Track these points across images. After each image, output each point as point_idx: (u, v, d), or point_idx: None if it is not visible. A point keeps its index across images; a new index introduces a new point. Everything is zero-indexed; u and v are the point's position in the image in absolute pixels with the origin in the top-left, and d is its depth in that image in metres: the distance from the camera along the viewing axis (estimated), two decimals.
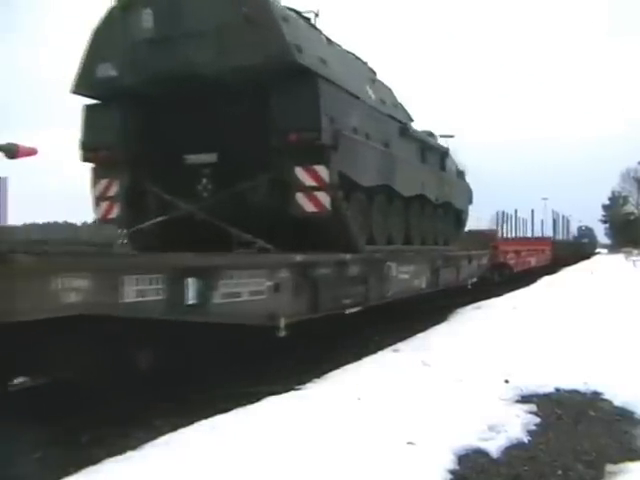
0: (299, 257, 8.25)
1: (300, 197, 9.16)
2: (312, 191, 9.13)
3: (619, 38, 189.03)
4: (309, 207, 9.16)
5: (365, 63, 12.82)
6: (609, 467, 4.98)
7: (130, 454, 5.08)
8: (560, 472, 5.14)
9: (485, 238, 24.42)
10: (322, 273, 8.69)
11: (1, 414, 5.21)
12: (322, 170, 9.11)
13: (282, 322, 7.49)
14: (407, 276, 12.20)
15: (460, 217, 18.59)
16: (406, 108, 14.44)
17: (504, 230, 52.52)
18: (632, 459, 5.26)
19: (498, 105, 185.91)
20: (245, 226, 9.02)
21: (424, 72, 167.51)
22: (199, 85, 9.13)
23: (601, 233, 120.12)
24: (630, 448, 5.74)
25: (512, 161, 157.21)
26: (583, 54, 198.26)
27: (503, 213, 57.11)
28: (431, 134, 16.45)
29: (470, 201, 19.45)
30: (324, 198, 9.15)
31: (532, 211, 64.12)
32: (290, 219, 9.24)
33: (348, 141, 9.73)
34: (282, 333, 7.50)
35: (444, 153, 16.81)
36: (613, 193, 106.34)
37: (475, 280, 19.02)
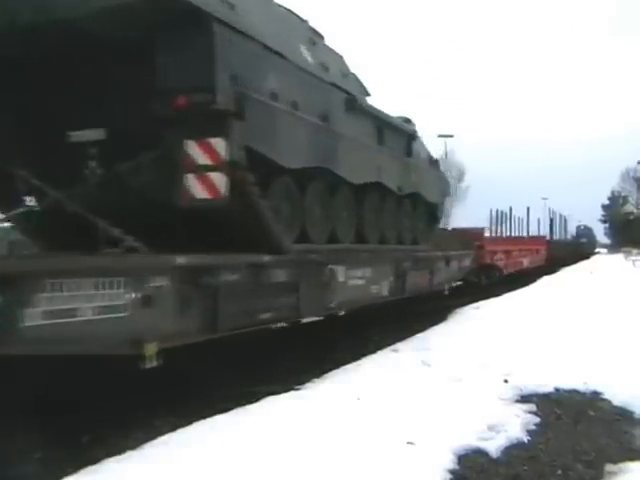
0: (182, 259, 6.15)
1: (190, 179, 6.92)
2: (205, 171, 6.94)
3: (620, 37, 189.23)
4: (200, 192, 6.89)
5: (305, 21, 10.26)
6: (609, 467, 4.98)
7: (129, 454, 5.08)
8: (560, 472, 5.15)
9: (470, 237, 21.78)
10: (225, 280, 6.75)
11: (1, 414, 5.20)
12: (219, 144, 6.90)
13: (149, 349, 5.65)
14: (361, 282, 10.17)
15: (433, 212, 15.80)
16: (362, 81, 12.18)
17: (499, 229, 52.16)
18: (632, 459, 5.26)
19: (498, 105, 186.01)
20: (126, 219, 6.95)
21: (424, 72, 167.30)
22: (71, 40, 6.90)
23: (601, 233, 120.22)
24: (630, 448, 5.75)
25: (512, 161, 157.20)
26: (584, 54, 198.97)
27: (497, 211, 56.49)
28: (408, 120, 14.26)
29: (446, 194, 17.25)
30: (219, 180, 6.87)
31: (527, 209, 62.53)
32: (185, 210, 7.09)
33: (261, 108, 7.55)
34: (151, 363, 5.67)
35: (411, 136, 13.85)
36: (613, 193, 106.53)
37: (457, 284, 18.05)
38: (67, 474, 4.65)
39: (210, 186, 6.88)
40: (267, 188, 7.90)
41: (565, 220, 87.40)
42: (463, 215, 63.49)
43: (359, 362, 8.93)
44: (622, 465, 4.99)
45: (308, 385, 7.63)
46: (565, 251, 53.40)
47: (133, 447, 5.26)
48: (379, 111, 11.90)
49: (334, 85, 10.13)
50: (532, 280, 27.10)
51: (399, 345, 10.43)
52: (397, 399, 6.66)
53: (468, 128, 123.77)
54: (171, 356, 5.91)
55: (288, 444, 5.19)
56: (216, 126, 6.91)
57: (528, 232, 50.38)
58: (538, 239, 44.51)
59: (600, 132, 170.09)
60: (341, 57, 11.33)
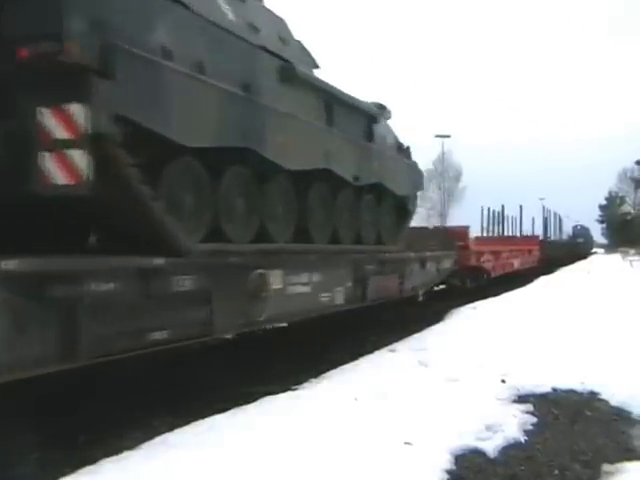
0: (10, 264, 4.52)
1: (47, 159, 5.22)
2: (63, 148, 5.22)
3: (620, 38, 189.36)
4: (58, 176, 5.19)
5: None
6: (606, 467, 4.99)
7: (127, 454, 5.09)
8: (557, 472, 5.15)
9: (452, 236, 19.58)
10: (91, 291, 5.20)
11: None
12: (77, 111, 5.18)
13: None
14: (307, 289, 8.59)
15: (403, 206, 13.30)
16: (310, 51, 10.34)
17: (493, 229, 51.83)
18: (629, 459, 5.27)
19: (496, 105, 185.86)
20: None
21: (421, 72, 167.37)
22: None
23: (598, 233, 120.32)
24: (627, 448, 5.75)
25: (510, 162, 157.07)
26: (583, 54, 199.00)
27: (489, 210, 55.91)
28: (382, 107, 12.26)
29: (419, 186, 14.44)
30: (79, 159, 5.20)
31: (520, 207, 61.53)
32: (48, 200, 5.43)
33: (144, 67, 5.80)
34: None
35: (372, 117, 11.59)
36: (610, 193, 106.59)
37: (437, 288, 17.11)
38: (64, 474, 4.65)
39: (69, 168, 5.23)
40: (158, 172, 6.23)
41: (560, 219, 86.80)
42: (460, 215, 63.63)
43: (356, 362, 8.94)
44: (619, 465, 4.99)
45: (305, 385, 7.64)
46: (561, 251, 52.82)
47: (130, 447, 5.26)
48: (329, 85, 9.75)
49: (264, 49, 8.16)
50: (529, 280, 27.11)
51: (396, 345, 10.44)
52: (394, 399, 6.66)
53: (466, 128, 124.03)
54: (170, 357, 5.92)
55: (285, 444, 5.19)
56: (73, 87, 5.25)
57: (521, 231, 49.65)
58: (531, 239, 43.15)
59: (598, 133, 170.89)
60: (282, 20, 9.42)
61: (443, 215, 62.02)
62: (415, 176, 13.99)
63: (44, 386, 5.63)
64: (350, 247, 10.48)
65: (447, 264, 16.26)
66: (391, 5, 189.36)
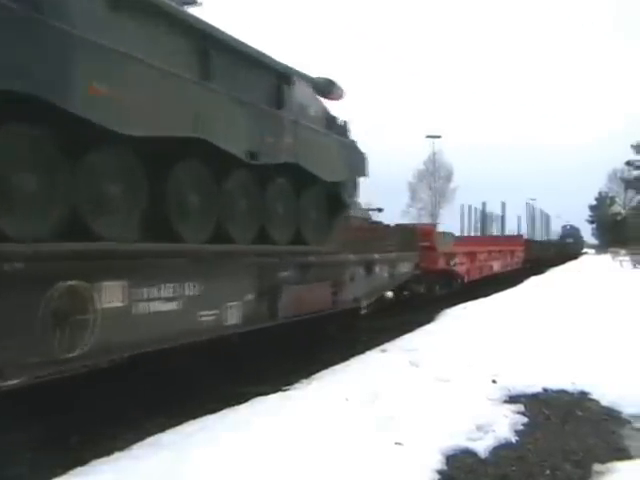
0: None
1: None
2: None
3: (611, 41, 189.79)
4: None
5: None
6: (596, 467, 5.00)
7: (118, 455, 5.08)
8: (548, 472, 5.16)
9: (415, 235, 15.90)
10: None
11: None
12: None
13: None
14: (171, 306, 6.10)
15: (336, 196, 10.29)
16: None
17: (474, 228, 50.46)
18: (619, 458, 5.28)
19: (488, 106, 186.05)
20: None
21: (412, 72, 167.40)
22: None
23: (588, 233, 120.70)
24: (617, 448, 5.77)
25: (501, 163, 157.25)
26: (574, 57, 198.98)
27: (469, 209, 53.83)
28: (331, 83, 10.16)
29: (359, 171, 11.09)
30: None
31: (503, 205, 58.90)
32: None
33: None
34: None
35: (283, 77, 8.65)
36: (600, 194, 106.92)
37: (391, 296, 14.64)
38: (56, 475, 4.64)
39: None
40: None
41: (548, 219, 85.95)
42: (451, 216, 63.66)
43: (347, 363, 8.95)
44: (610, 465, 5.00)
45: (297, 386, 7.64)
46: (549, 252, 51.57)
47: (122, 448, 5.26)
48: (207, 25, 7.11)
49: None
50: (519, 281, 27.16)
51: (387, 345, 10.44)
52: (385, 399, 6.66)
53: (458, 129, 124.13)
54: (162, 358, 5.91)
55: (277, 444, 5.19)
56: None
57: (503, 231, 46.90)
58: (514, 239, 39.68)
59: (590, 133, 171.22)
60: None
61: (434, 215, 62.02)
62: (353, 158, 10.76)
63: (36, 386, 5.62)
64: (250, 248, 7.89)
65: (405, 268, 13.68)
66: (383, 5, 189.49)
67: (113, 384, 6.77)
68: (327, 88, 10.02)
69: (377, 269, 11.80)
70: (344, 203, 10.68)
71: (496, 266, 25.98)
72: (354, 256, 10.75)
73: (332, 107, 10.33)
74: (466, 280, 20.46)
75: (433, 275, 17.27)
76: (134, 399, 6.69)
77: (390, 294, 14.54)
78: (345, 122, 10.72)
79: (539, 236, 76.56)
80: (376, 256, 11.90)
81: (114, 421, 6.23)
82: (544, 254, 46.23)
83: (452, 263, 18.79)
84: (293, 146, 8.41)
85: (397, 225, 18.88)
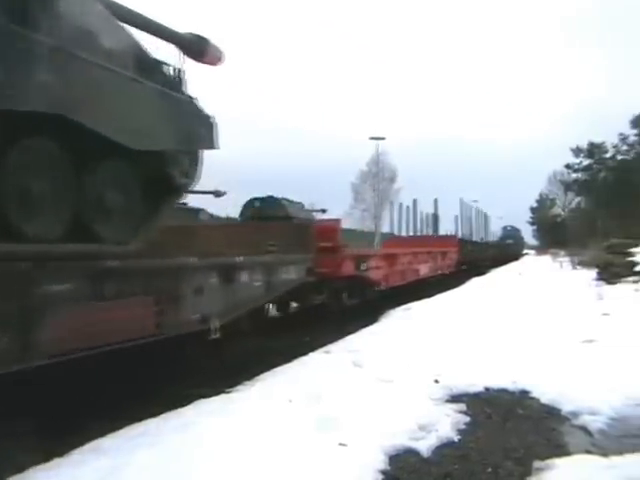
0: None
1: None
2: None
3: (555, 42, 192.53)
4: None
5: None
6: (537, 464, 5.05)
7: (57, 461, 5.00)
8: (490, 470, 5.20)
9: (310, 234, 12.70)
10: None
11: None
12: None
13: None
14: None
15: (163, 174, 7.34)
16: None
17: (410, 229, 48.25)
18: (559, 455, 5.34)
19: (433, 109, 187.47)
20: None
21: (357, 74, 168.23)
22: None
23: (529, 235, 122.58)
24: (557, 444, 5.86)
25: (447, 164, 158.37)
26: (520, 56, 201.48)
27: (400, 207, 51.59)
28: (202, 40, 7.99)
29: (204, 142, 7.92)
30: None
31: (435, 201, 54.64)
32: None
33: None
34: None
35: None
36: (541, 195, 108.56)
37: (269, 309, 12.56)
38: None
39: None
40: None
41: (486, 218, 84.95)
42: (395, 217, 64.07)
43: (291, 364, 8.93)
44: (549, 462, 5.06)
45: (239, 388, 7.59)
46: (486, 253, 49.91)
47: (60, 454, 5.16)
48: None
49: None
50: (462, 282, 27.46)
51: (331, 347, 10.44)
52: (329, 400, 6.65)
53: (403, 130, 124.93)
54: (104, 360, 5.81)
55: (219, 446, 5.15)
56: None
57: (436, 230, 44.06)
58: (447, 239, 36.62)
59: (531, 135, 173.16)
60: None
61: (377, 217, 62.23)
62: (190, 122, 7.62)
63: None
64: None
65: (291, 274, 10.81)
66: (327, 7, 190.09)
67: (49, 388, 6.63)
68: (196, 46, 7.88)
69: (243, 277, 8.89)
70: (173, 185, 7.55)
71: (424, 270, 23.03)
72: (200, 260, 7.77)
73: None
74: (384, 287, 17.48)
75: (339, 282, 14.22)
76: (71, 403, 6.55)
77: (272, 308, 12.51)
78: (179, 71, 7.51)
79: (478, 237, 76.80)
80: (239, 260, 8.83)
81: (51, 426, 6.09)
82: (481, 255, 44.63)
83: (362, 267, 15.38)
84: (56, 89, 5.27)
85: (290, 221, 16.77)
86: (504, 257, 59.58)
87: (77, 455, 5.13)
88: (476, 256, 39.74)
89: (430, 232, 56.49)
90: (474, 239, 65.71)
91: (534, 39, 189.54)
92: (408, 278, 20.44)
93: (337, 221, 16.35)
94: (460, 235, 49.74)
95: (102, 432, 5.71)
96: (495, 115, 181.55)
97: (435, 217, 39.85)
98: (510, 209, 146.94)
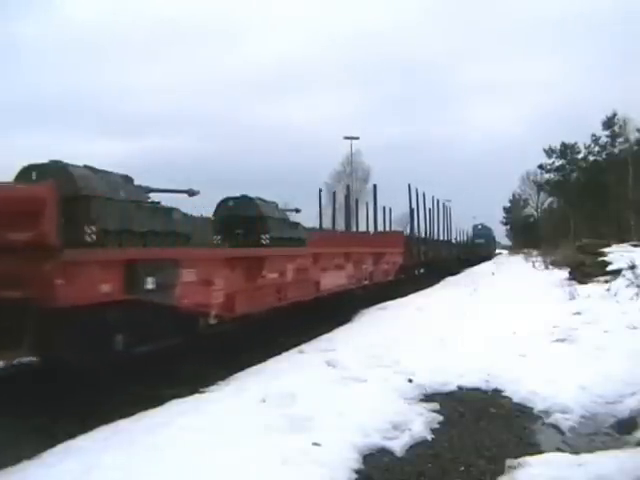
0: None
1: None
2: None
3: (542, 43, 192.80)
4: None
5: None
6: (509, 462, 5.08)
7: (26, 463, 4.96)
8: (463, 468, 5.24)
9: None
10: None
11: None
12: None
13: None
14: None
15: None
16: None
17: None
18: (531, 453, 5.38)
19: (406, 107, 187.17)
20: None
21: (333, 77, 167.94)
22: None
23: (502, 235, 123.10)
24: (529, 442, 5.93)
25: (420, 164, 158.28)
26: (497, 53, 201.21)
27: (334, 197, 37.50)
28: None
29: None
30: None
31: (374, 187, 42.02)
32: None
33: None
34: None
35: None
36: (514, 195, 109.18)
37: None
38: None
39: None
40: None
41: (449, 212, 78.12)
42: (370, 217, 63.85)
43: (265, 364, 8.92)
44: (522, 460, 5.09)
45: (213, 388, 7.57)
46: (452, 254, 45.05)
47: (30, 456, 5.11)
48: None
49: None
50: (436, 281, 27.54)
51: (304, 346, 10.43)
52: (302, 400, 6.64)
53: (377, 130, 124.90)
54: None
55: (191, 446, 5.13)
56: None
57: (390, 227, 34.27)
58: (388, 237, 25.54)
59: (504, 135, 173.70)
60: None
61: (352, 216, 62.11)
62: None
63: None
64: None
65: None
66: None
67: (18, 389, 6.58)
68: None
69: None
70: None
71: (334, 281, 15.17)
72: None
73: None
74: (219, 318, 9.50)
75: (75, 315, 6.66)
76: (41, 404, 6.51)
77: None
78: None
79: (445, 236, 74.96)
80: None
81: (22, 429, 6.05)
82: (446, 256, 39.94)
83: (148, 285, 7.61)
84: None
85: None
86: (474, 258, 57.90)
87: (47, 457, 5.09)
88: (433, 258, 33.40)
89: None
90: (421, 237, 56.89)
91: (508, 40, 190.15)
92: (293, 297, 12.59)
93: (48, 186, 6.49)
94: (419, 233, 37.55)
95: (73, 433, 5.67)
96: (466, 115, 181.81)
97: (389, 211, 34.91)
98: (483, 209, 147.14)
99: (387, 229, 32.53)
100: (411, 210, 33.49)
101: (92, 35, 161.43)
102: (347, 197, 34.48)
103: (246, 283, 10.51)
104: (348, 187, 37.34)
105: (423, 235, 34.55)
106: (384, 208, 31.19)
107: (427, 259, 31.13)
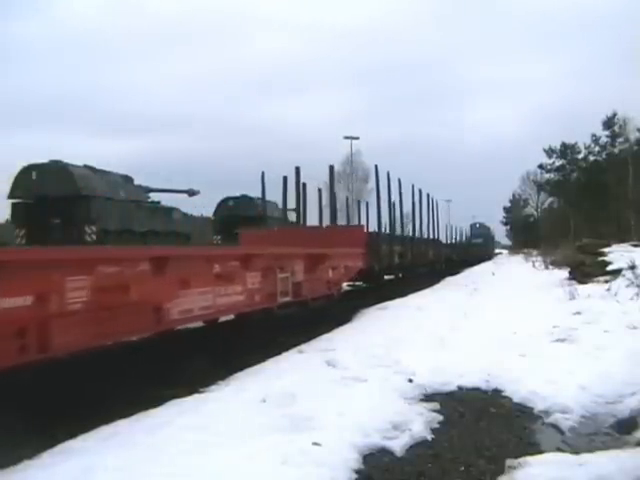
0: None
1: None
2: None
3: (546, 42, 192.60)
4: None
5: None
6: (509, 462, 5.07)
7: (26, 463, 4.94)
8: (463, 468, 5.23)
9: None
10: None
11: None
12: None
13: None
14: None
15: None
16: None
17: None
18: (531, 453, 5.37)
19: (407, 106, 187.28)
20: None
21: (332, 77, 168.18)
22: None
23: (502, 234, 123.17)
24: (529, 442, 5.91)
25: (421, 164, 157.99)
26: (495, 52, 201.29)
27: (304, 187, 30.03)
28: None
29: None
30: None
31: (297, 169, 37.04)
32: None
33: None
34: None
35: None
36: (514, 195, 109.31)
37: None
38: None
39: None
40: None
41: (434, 202, 73.33)
42: (372, 217, 63.78)
43: (264, 363, 8.90)
44: (522, 460, 5.09)
45: (213, 388, 7.55)
46: (441, 255, 37.94)
47: (30, 456, 5.10)
48: None
49: None
50: (436, 281, 27.51)
51: (304, 346, 10.42)
52: (302, 400, 6.64)
53: (377, 130, 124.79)
54: (76, 361, 5.76)
55: (191, 447, 5.12)
56: None
57: (394, 225, 29.03)
58: (341, 233, 19.08)
59: (504, 135, 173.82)
60: None
61: (350, 216, 62.11)
62: None
63: None
64: None
65: None
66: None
67: (19, 390, 6.56)
68: None
69: None
70: None
71: (206, 302, 8.31)
72: None
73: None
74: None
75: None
76: (40, 404, 6.49)
77: None
78: None
79: (435, 234, 73.60)
80: None
81: (21, 429, 6.03)
82: (427, 259, 31.77)
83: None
84: None
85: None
86: (471, 259, 54.25)
87: (47, 457, 5.08)
88: (414, 261, 27.62)
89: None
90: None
91: (509, 40, 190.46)
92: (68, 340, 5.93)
93: None
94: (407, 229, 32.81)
95: (73, 433, 5.66)
96: (466, 115, 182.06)
97: (365, 205, 31.38)
98: (483, 209, 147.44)
99: (389, 227, 26.01)
100: (390, 202, 25.82)
101: (92, 34, 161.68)
102: (320, 190, 30.23)
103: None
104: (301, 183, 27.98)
105: (401, 232, 27.88)
106: (390, 203, 24.95)
107: (404, 262, 25.26)
